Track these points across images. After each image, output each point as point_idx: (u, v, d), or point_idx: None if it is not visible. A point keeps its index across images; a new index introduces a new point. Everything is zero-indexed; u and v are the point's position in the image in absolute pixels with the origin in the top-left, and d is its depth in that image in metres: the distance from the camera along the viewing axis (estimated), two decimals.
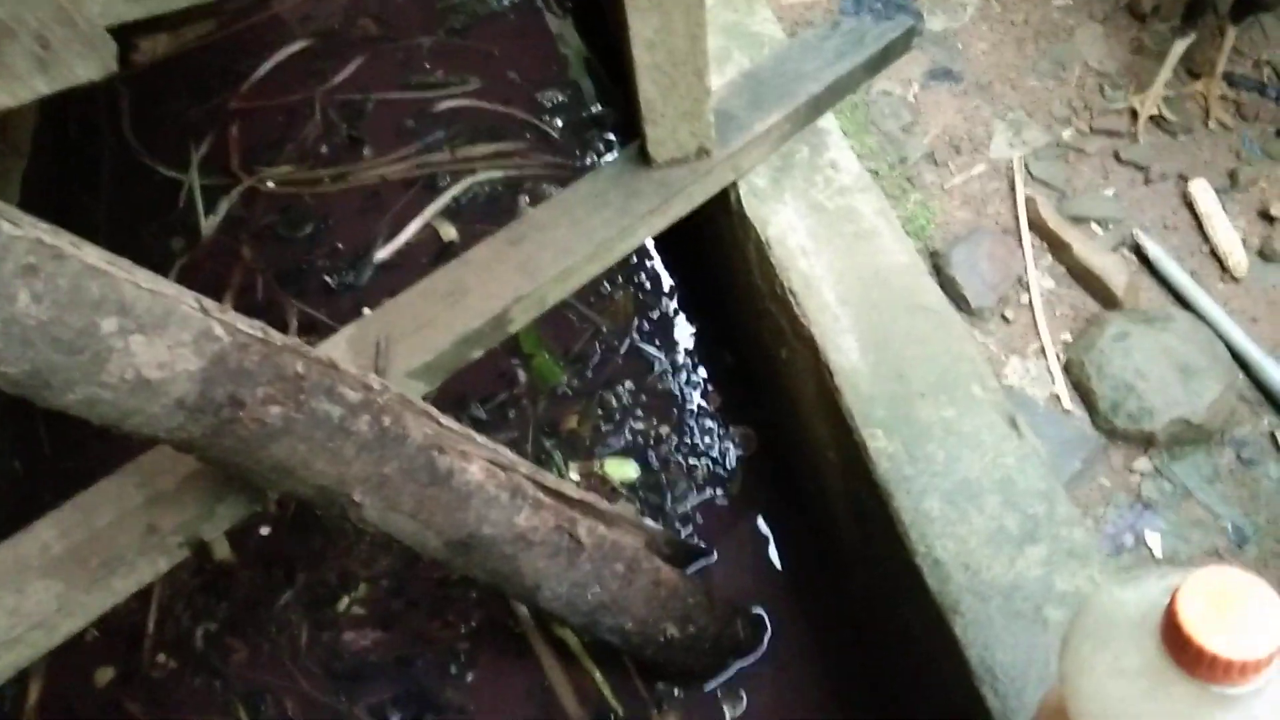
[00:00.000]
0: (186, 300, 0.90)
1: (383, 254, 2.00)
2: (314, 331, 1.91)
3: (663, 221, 1.33)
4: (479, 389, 1.76)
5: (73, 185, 2.19)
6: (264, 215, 2.09)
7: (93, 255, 0.83)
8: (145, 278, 0.87)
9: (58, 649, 1.09)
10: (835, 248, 1.31)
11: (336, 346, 1.22)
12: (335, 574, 1.58)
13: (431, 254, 1.99)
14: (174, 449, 0.96)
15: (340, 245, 2.02)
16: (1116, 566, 1.42)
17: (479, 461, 1.14)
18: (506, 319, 1.24)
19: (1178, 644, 0.55)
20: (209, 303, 0.92)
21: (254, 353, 0.94)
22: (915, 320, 1.23)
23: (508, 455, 1.21)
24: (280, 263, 2.01)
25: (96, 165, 2.24)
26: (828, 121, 1.45)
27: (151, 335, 0.86)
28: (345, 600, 1.55)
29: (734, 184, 1.40)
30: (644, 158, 1.32)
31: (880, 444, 1.14)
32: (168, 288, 0.89)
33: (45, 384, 0.82)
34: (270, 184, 2.14)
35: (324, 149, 2.20)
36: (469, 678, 1.50)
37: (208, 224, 2.08)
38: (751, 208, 1.37)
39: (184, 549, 1.12)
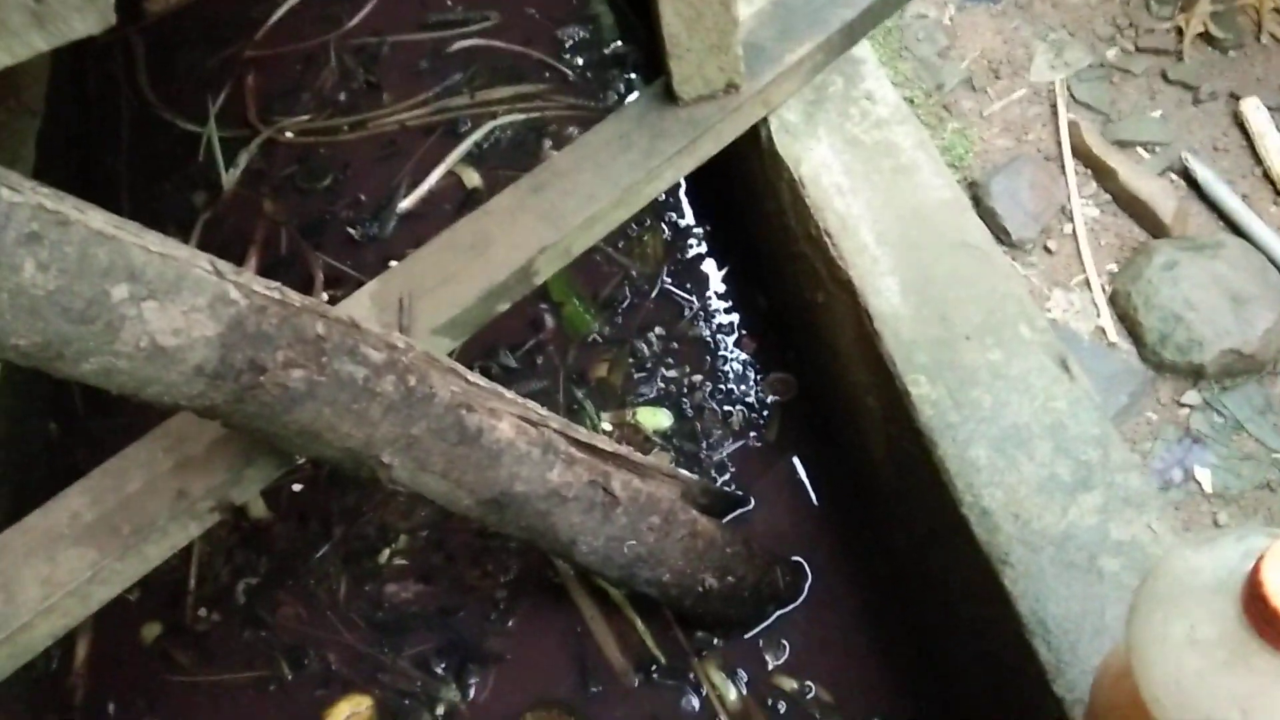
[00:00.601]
0: (199, 263, 0.86)
1: (406, 203, 1.95)
2: (340, 285, 1.88)
3: (691, 162, 1.28)
4: (508, 336, 1.72)
5: (92, 143, 2.16)
6: (284, 167, 2.05)
7: (99, 220, 0.80)
8: (155, 241, 0.84)
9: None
10: (873, 185, 1.25)
11: (360, 304, 1.19)
12: (374, 527, 1.57)
13: (456, 201, 1.94)
14: (197, 415, 0.94)
15: (362, 196, 1.98)
16: (1175, 512, 1.37)
17: (508, 418, 1.12)
18: (531, 271, 1.20)
19: (1262, 614, 0.51)
20: (223, 265, 0.89)
21: (272, 315, 0.90)
22: (958, 259, 1.17)
23: (538, 410, 1.18)
24: (303, 215, 1.98)
25: (115, 121, 2.21)
26: (862, 50, 1.37)
27: (165, 301, 0.83)
28: (386, 553, 1.55)
29: (764, 120, 1.34)
30: (669, 95, 1.27)
31: (923, 390, 1.09)
32: (179, 250, 0.85)
33: (58, 355, 0.80)
34: (289, 134, 2.09)
35: (342, 96, 2.15)
36: (510, 625, 1.50)
37: (228, 177, 2.05)
38: (783, 145, 1.31)
39: (215, 513, 1.10)
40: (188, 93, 2.20)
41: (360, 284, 1.89)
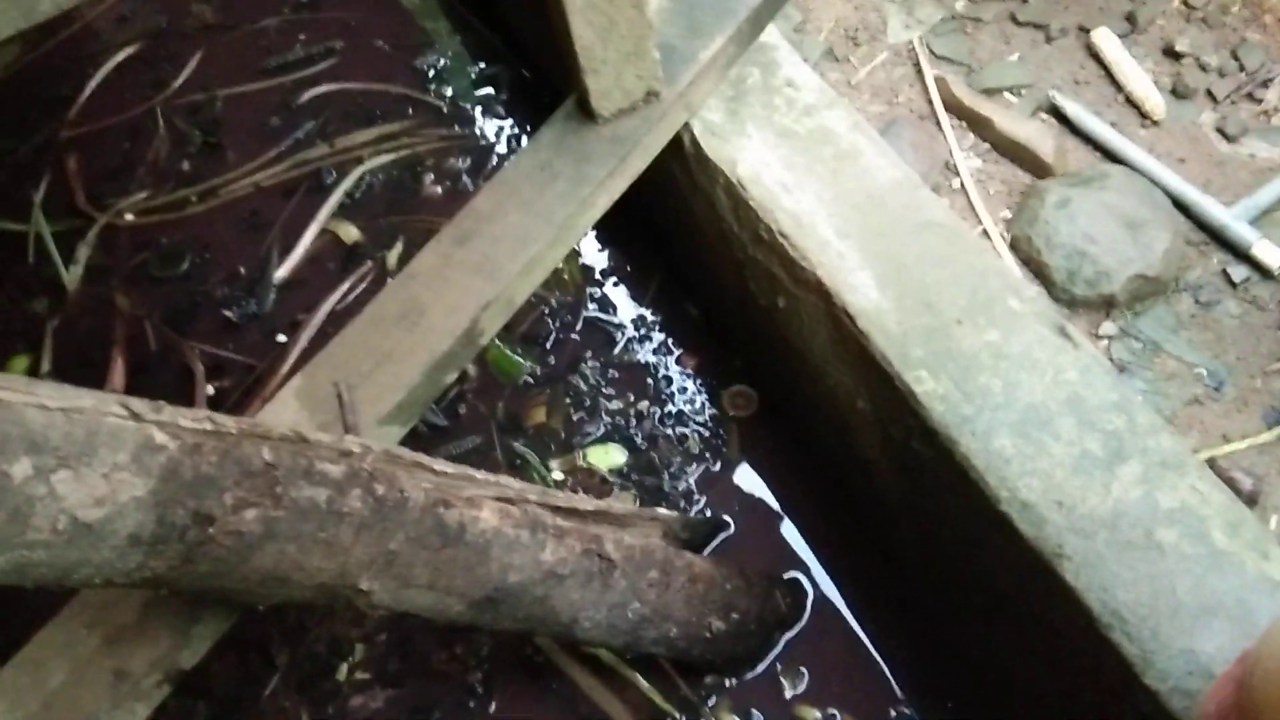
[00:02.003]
0: (111, 409, 0.70)
1: (281, 272, 1.77)
2: (225, 374, 1.68)
3: (623, 183, 1.16)
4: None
5: None
6: (132, 254, 1.83)
7: None
8: (51, 394, 0.67)
9: None
10: (818, 176, 1.16)
11: (286, 406, 1.02)
12: (324, 644, 1.40)
13: (338, 261, 1.77)
14: (135, 589, 0.77)
15: (230, 272, 1.78)
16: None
17: (488, 504, 0.98)
18: (476, 331, 1.06)
19: None
20: (138, 404, 0.73)
21: (209, 452, 0.74)
22: (926, 240, 1.10)
23: (512, 485, 1.04)
24: (166, 304, 1.76)
25: None
26: (771, 35, 1.29)
27: (79, 467, 0.66)
28: (344, 668, 1.38)
29: (686, 125, 1.24)
30: (586, 113, 1.15)
31: (928, 386, 1.01)
32: (82, 399, 0.69)
33: None
34: (129, 216, 1.87)
35: (184, 165, 1.93)
36: (492, 709, 1.36)
37: (70, 275, 1.81)
38: (712, 148, 1.21)
39: (164, 687, 0.93)
40: (4, 187, 1.94)
41: (249, 368, 1.72)
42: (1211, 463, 1.55)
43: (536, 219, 1.09)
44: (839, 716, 1.31)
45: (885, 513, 1.26)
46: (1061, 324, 1.04)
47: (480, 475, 1.02)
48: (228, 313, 1.73)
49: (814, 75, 1.23)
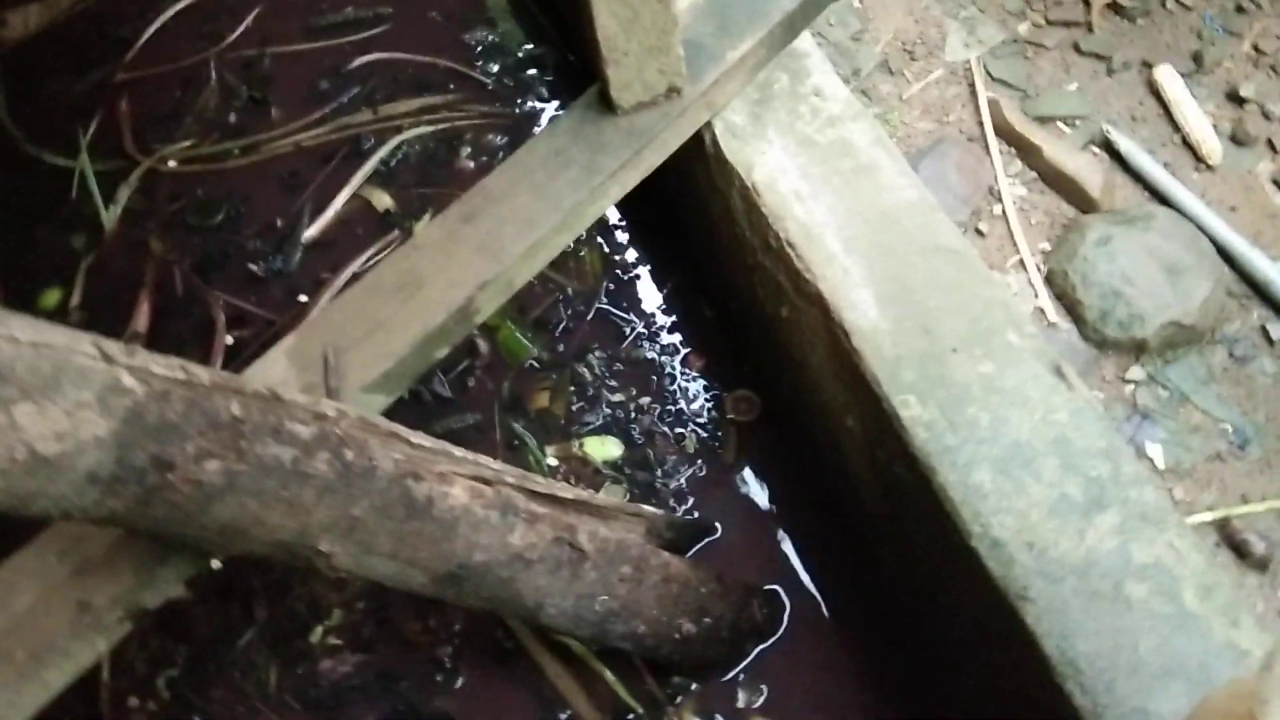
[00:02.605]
0: (82, 348, 0.71)
1: (311, 232, 1.79)
2: (245, 325, 1.71)
3: (635, 176, 1.16)
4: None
5: None
6: (171, 200, 1.86)
7: None
8: (23, 328, 0.68)
9: None
10: (833, 188, 1.15)
11: (276, 363, 1.04)
12: (304, 604, 1.42)
13: (367, 227, 1.79)
14: (95, 525, 0.79)
15: (261, 226, 1.81)
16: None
17: (461, 481, 0.99)
18: (471, 310, 1.07)
19: None
20: (112, 346, 0.74)
21: (176, 401, 0.76)
22: (934, 264, 1.09)
23: (492, 466, 1.05)
24: (197, 253, 1.80)
25: None
26: (804, 42, 1.27)
27: (42, 401, 0.68)
28: (319, 630, 1.40)
29: (709, 124, 1.23)
30: (606, 104, 1.15)
31: (914, 412, 1.00)
32: (55, 335, 0.70)
33: None
34: (171, 163, 1.91)
35: (229, 117, 1.96)
36: (459, 684, 1.37)
37: (109, 215, 1.85)
38: (732, 150, 1.21)
39: (125, 623, 0.95)
40: (56, 123, 1.99)
41: (268, 323, 1.75)
42: (1225, 522, 1.51)
43: (545, 204, 1.09)
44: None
45: (868, 535, 1.24)
46: (1058, 364, 1.02)
47: (459, 453, 1.03)
48: (254, 267, 1.76)
49: (842, 86, 1.22)
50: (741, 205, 1.22)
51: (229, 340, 1.70)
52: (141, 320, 1.74)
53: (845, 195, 1.14)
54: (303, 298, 1.72)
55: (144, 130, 1.96)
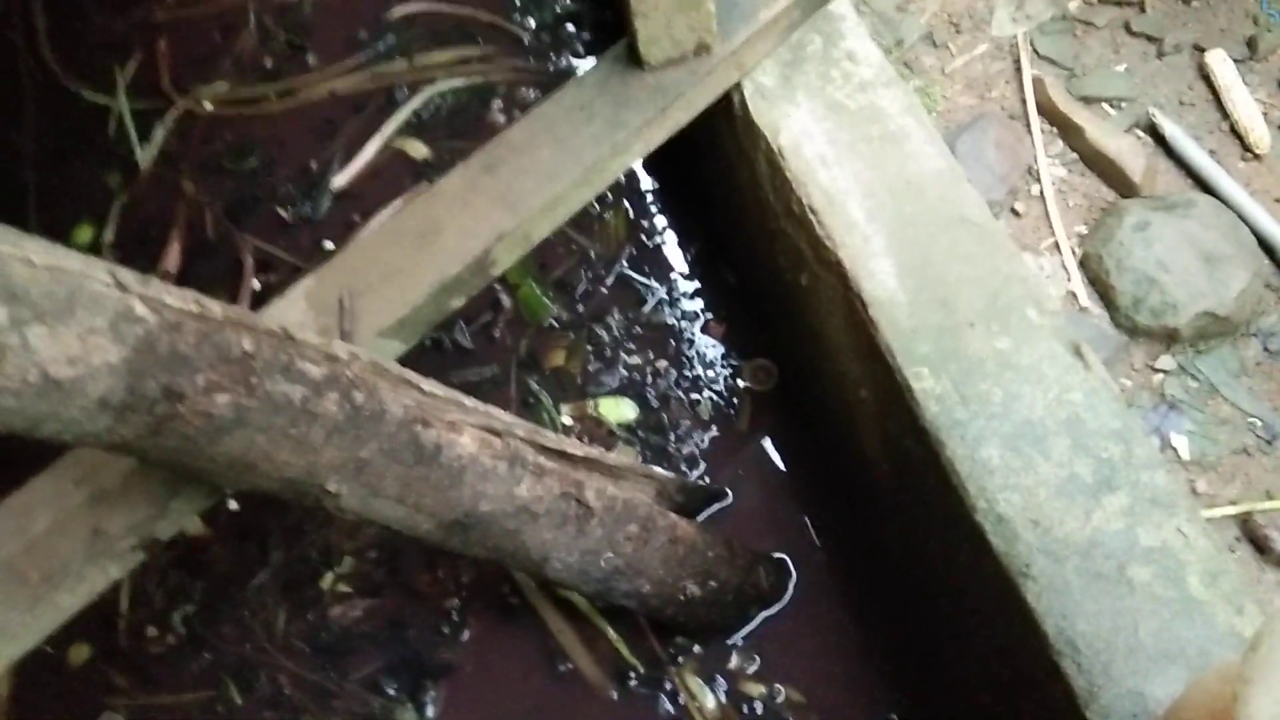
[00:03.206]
0: (97, 275, 0.72)
1: (341, 180, 1.80)
2: (272, 269, 1.73)
3: (660, 134, 1.15)
4: (465, 308, 1.60)
5: None
6: (205, 142, 1.88)
7: None
8: (39, 251, 0.69)
9: None
10: (860, 155, 1.14)
11: (294, 305, 1.05)
12: (316, 550, 1.44)
13: (404, 177, 1.79)
14: (107, 452, 0.81)
15: (293, 172, 1.82)
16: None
17: (470, 431, 0.99)
18: (488, 261, 1.07)
19: None
20: (127, 275, 0.75)
21: (188, 332, 0.77)
22: (957, 236, 1.07)
23: (503, 418, 1.06)
24: (228, 195, 1.81)
25: (17, 94, 2.01)
26: (841, 4, 1.25)
27: (55, 324, 0.69)
28: (329, 577, 1.42)
29: (738, 84, 1.22)
30: (634, 59, 1.14)
31: (927, 384, 0.99)
32: (70, 261, 0.71)
33: None
34: (208, 105, 1.92)
35: (266, 61, 1.97)
36: (465, 636, 1.39)
37: (144, 154, 1.87)
38: (759, 112, 1.19)
39: (137, 552, 0.97)
40: (95, 61, 2.00)
41: (295, 269, 1.76)
42: (1247, 517, 1.50)
43: (566, 157, 1.09)
44: (783, 692, 1.30)
45: (878, 507, 1.24)
46: (1077, 343, 1.01)
47: (470, 403, 1.04)
48: (283, 212, 1.77)
49: (876, 51, 1.20)
50: (766, 169, 1.21)
51: (256, 285, 1.72)
52: (172, 260, 1.76)
53: (871, 162, 1.13)
54: (329, 244, 1.74)
55: (182, 71, 1.97)
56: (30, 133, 1.96)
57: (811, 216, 1.12)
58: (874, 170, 1.13)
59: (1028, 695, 0.93)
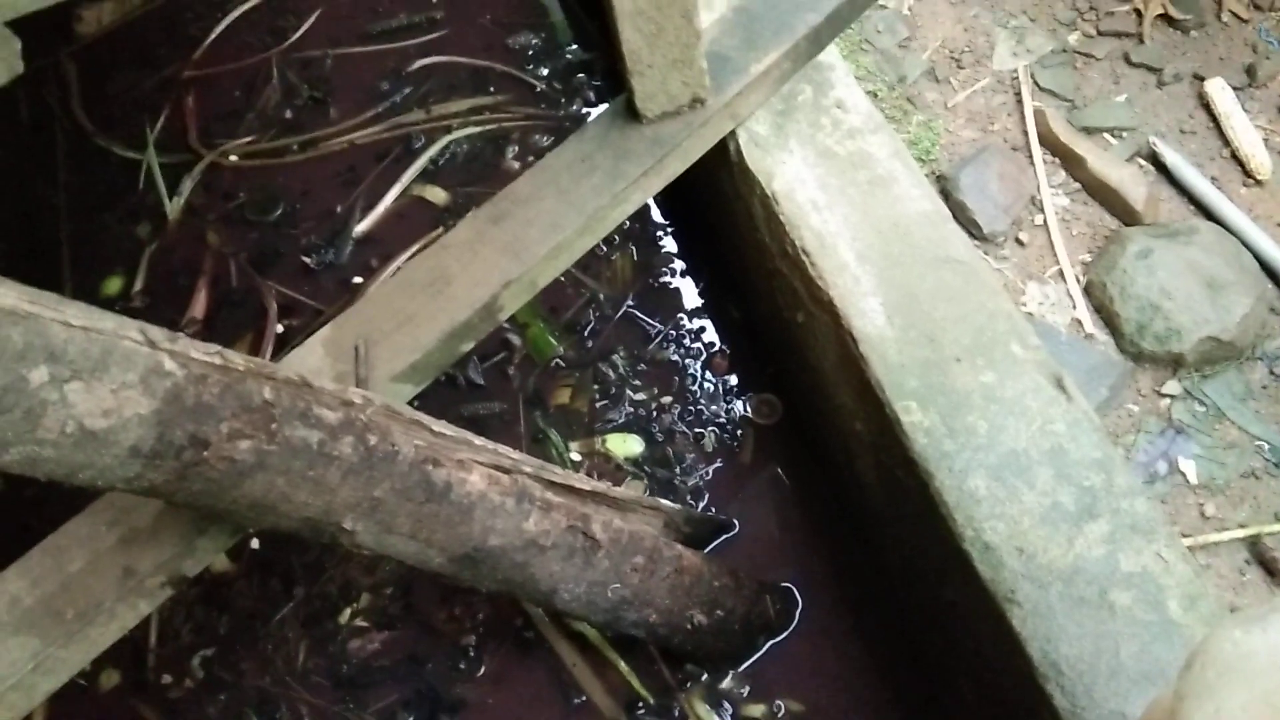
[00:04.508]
0: (128, 334, 0.79)
1: (362, 227, 1.87)
2: (296, 314, 1.80)
3: (658, 183, 1.21)
4: (477, 346, 1.65)
5: (28, 174, 2.05)
6: (230, 193, 1.96)
7: (10, 296, 0.72)
8: (77, 314, 0.76)
9: None
10: (849, 199, 1.19)
11: (312, 352, 1.11)
12: (336, 585, 1.49)
13: (423, 221, 1.86)
14: (138, 495, 0.86)
15: (315, 220, 1.89)
16: (1183, 539, 1.32)
17: (479, 469, 1.05)
18: (496, 307, 1.13)
19: None
20: (156, 332, 0.81)
21: (213, 384, 0.83)
22: (943, 275, 1.12)
23: (510, 455, 1.11)
24: (253, 245, 1.89)
25: (51, 151, 2.10)
26: (830, 55, 1.31)
27: (90, 381, 0.75)
28: (347, 613, 1.47)
29: (733, 133, 1.27)
30: (632, 112, 1.20)
31: (915, 418, 1.04)
32: (105, 321, 0.78)
33: None
34: (233, 158, 2.00)
35: (287, 114, 2.05)
36: (482, 672, 1.43)
37: (172, 206, 1.95)
38: (754, 159, 1.25)
39: (165, 589, 1.03)
40: (125, 117, 2.10)
41: (317, 313, 1.83)
42: (1256, 540, 1.52)
43: (569, 208, 1.15)
44: (784, 708, 1.34)
45: (877, 537, 1.28)
46: (1059, 375, 1.05)
47: (479, 441, 1.09)
48: (306, 259, 1.84)
49: (865, 99, 1.26)
50: (762, 213, 1.26)
51: (279, 328, 1.78)
52: (199, 307, 1.83)
53: (860, 206, 1.18)
54: (358, 280, 1.80)
55: (208, 125, 2.06)
56: (64, 187, 2.05)
57: (804, 258, 1.17)
58: (863, 213, 1.18)
59: (1018, 717, 0.97)
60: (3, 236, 1.87)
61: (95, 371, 0.75)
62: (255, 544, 1.53)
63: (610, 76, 2.00)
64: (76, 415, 0.74)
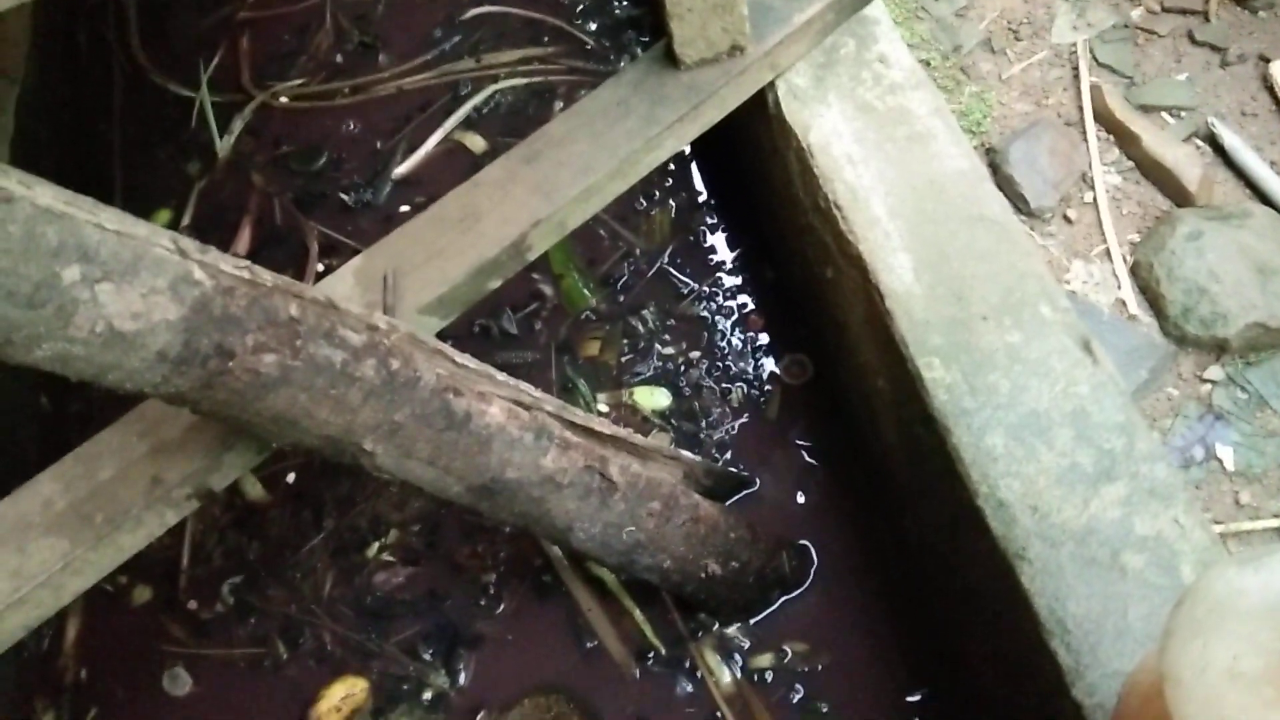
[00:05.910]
0: (160, 241, 0.81)
1: (401, 169, 1.89)
2: (336, 253, 1.83)
3: (693, 130, 1.21)
4: (513, 297, 1.67)
5: (84, 109, 2.09)
6: (279, 134, 1.99)
7: (47, 195, 0.74)
8: (111, 218, 0.78)
9: None
10: (885, 154, 1.18)
11: (343, 281, 1.13)
12: (366, 519, 1.53)
13: (461, 167, 1.87)
14: (165, 402, 0.89)
15: (358, 161, 1.92)
16: (1196, 492, 1.31)
17: (499, 402, 1.06)
18: (524, 245, 1.14)
19: None
20: (187, 243, 0.83)
21: (240, 297, 0.85)
22: (975, 233, 1.10)
23: (531, 392, 1.12)
24: (297, 186, 1.92)
25: (107, 86, 2.15)
26: (876, 9, 1.29)
27: (121, 283, 0.77)
28: (375, 547, 1.50)
29: (772, 84, 1.27)
30: (671, 59, 1.19)
31: (937, 374, 1.03)
32: (137, 228, 0.80)
33: (7, 341, 0.74)
34: (283, 99, 2.03)
35: (338, 58, 2.08)
36: (500, 610, 1.46)
37: (223, 145, 1.99)
38: (791, 111, 1.24)
39: (192, 501, 1.06)
40: (180, 56, 2.13)
41: (356, 252, 1.86)
42: None
43: (601, 150, 1.15)
44: (789, 653, 1.34)
45: (896, 496, 1.28)
46: (1087, 339, 1.03)
47: (501, 377, 1.10)
48: (346, 198, 1.87)
49: (908, 55, 1.24)
50: (797, 166, 1.26)
51: (320, 267, 1.82)
52: (243, 243, 1.87)
53: (896, 161, 1.17)
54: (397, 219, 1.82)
55: (260, 67, 2.09)
56: (119, 122, 2.10)
57: (836, 212, 1.16)
58: (898, 169, 1.17)
59: (1024, 674, 0.96)
60: (58, 168, 1.92)
61: (126, 274, 0.77)
62: (290, 477, 1.57)
63: (656, 33, 1.99)
64: (106, 315, 0.77)
